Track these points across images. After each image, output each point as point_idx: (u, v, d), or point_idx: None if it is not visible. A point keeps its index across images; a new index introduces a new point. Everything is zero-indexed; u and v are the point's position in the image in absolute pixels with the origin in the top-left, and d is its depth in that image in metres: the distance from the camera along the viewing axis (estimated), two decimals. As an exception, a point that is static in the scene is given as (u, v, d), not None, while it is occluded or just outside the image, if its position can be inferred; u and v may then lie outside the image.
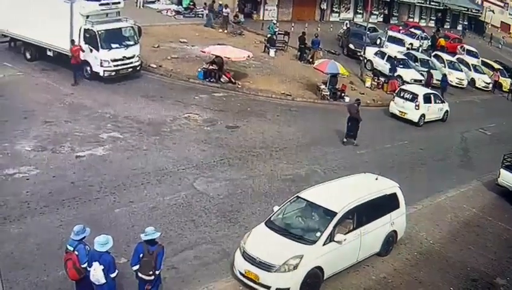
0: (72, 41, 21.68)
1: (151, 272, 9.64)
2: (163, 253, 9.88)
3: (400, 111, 25.11)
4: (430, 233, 15.07)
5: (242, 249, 11.33)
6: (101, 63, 21.99)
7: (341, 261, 11.94)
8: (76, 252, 9.46)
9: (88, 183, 14.45)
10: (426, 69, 31.40)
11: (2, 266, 10.68)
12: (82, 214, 13.00)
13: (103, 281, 9.26)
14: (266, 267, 10.84)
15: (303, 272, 10.94)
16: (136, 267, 9.78)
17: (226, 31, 34.16)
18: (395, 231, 13.45)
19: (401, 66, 30.74)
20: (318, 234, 11.45)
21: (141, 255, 9.66)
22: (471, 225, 16.22)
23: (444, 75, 30.71)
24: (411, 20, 51.83)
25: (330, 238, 11.43)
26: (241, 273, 11.22)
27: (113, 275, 9.41)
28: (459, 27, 55.99)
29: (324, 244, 11.33)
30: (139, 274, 9.76)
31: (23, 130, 17.18)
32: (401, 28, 44.38)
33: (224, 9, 35.17)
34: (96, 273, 9.21)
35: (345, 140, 20.65)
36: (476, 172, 20.59)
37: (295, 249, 11.09)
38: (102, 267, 9.21)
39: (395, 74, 29.84)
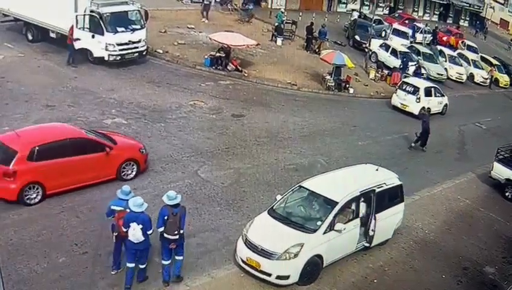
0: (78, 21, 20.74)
1: (176, 232, 10.10)
2: (186, 214, 10.35)
3: (401, 104, 24.98)
4: (425, 223, 15.10)
5: (244, 237, 11.30)
6: (106, 46, 21.24)
7: (340, 250, 11.94)
8: (128, 210, 9.97)
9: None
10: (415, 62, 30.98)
11: (0, 253, 10.52)
12: (85, 200, 12.82)
13: (142, 239, 9.86)
14: (268, 255, 10.83)
15: (303, 260, 10.95)
16: (161, 229, 10.14)
17: (206, 20, 31.81)
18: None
19: (405, 59, 30.43)
20: (319, 223, 11.44)
21: (166, 217, 10.05)
22: (465, 216, 16.26)
23: (418, 68, 30.15)
24: (415, 13, 51.26)
25: (330, 227, 11.41)
26: (243, 260, 11.21)
27: (149, 232, 9.99)
28: (465, 23, 55.58)
29: (324, 233, 11.31)
30: (165, 235, 10.16)
31: (24, 113, 16.54)
32: (396, 20, 43.66)
33: None
34: (136, 233, 9.77)
35: (412, 145, 20.63)
36: (471, 164, 20.52)
37: (296, 238, 11.08)
38: (141, 226, 9.74)
39: (407, 71, 29.36)
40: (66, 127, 14.13)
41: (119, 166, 13.68)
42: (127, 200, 10.08)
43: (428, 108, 23.58)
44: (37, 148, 12.32)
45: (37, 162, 12.30)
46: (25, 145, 12.34)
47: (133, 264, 10.13)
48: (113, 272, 10.55)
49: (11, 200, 12.19)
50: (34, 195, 12.38)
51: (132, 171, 14.00)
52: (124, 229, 9.91)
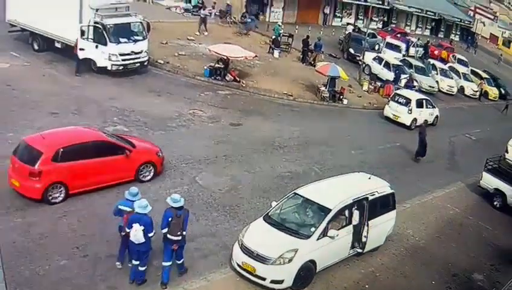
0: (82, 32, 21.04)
1: (179, 233, 10.32)
2: (188, 216, 10.62)
3: (393, 114, 25.17)
4: (416, 230, 15.18)
5: (240, 242, 11.36)
6: (109, 57, 21.44)
7: (333, 256, 12.01)
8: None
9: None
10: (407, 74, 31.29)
11: (4, 255, 10.58)
12: (87, 204, 12.87)
13: (143, 240, 10.00)
14: (263, 259, 10.89)
15: (297, 265, 11.01)
16: (165, 230, 10.34)
17: (202, 33, 31.54)
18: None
19: (397, 71, 30.68)
20: (313, 229, 11.50)
21: (170, 219, 10.28)
22: (454, 224, 16.37)
23: (409, 80, 30.35)
24: (408, 28, 51.66)
25: (324, 234, 11.48)
26: (238, 265, 11.26)
27: (151, 235, 10.12)
28: (456, 38, 56.01)
29: (318, 239, 11.38)
30: (168, 236, 10.34)
31: (28, 120, 16.57)
32: (389, 34, 43.99)
33: (202, 11, 33.46)
34: (137, 234, 9.89)
35: (419, 158, 20.82)
36: (460, 174, 20.68)
37: (290, 243, 11.14)
38: (142, 227, 9.87)
39: (399, 83, 29.64)
40: (89, 130, 14.42)
41: (137, 168, 14.06)
42: (134, 201, 10.24)
43: (426, 120, 23.79)
44: (61, 149, 12.58)
45: (61, 163, 12.58)
46: (50, 146, 12.62)
47: (138, 262, 10.30)
48: (117, 263, 10.74)
49: (36, 199, 12.43)
50: (58, 194, 12.63)
51: (149, 173, 14.40)
52: (127, 230, 10.04)
